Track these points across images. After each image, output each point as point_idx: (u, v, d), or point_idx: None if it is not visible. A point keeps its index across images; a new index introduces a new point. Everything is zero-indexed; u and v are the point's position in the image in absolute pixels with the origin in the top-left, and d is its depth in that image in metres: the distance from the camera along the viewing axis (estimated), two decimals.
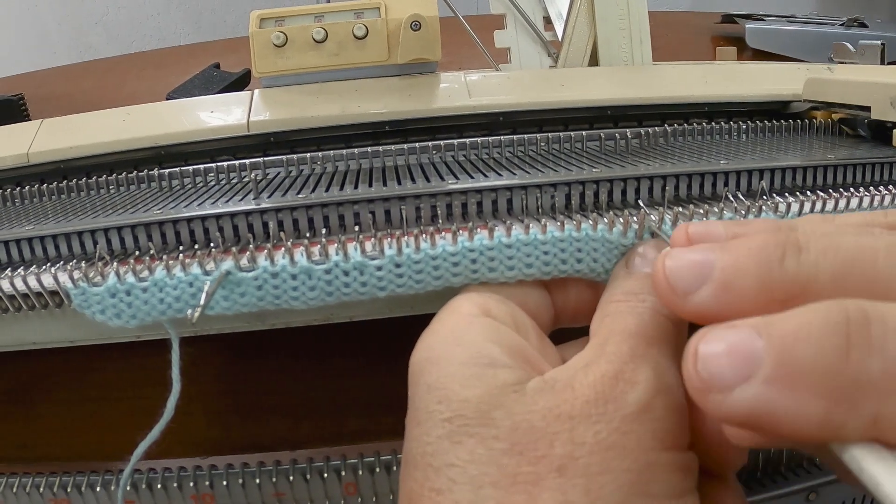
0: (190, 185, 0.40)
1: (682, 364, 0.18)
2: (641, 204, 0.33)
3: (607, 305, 0.24)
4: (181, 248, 0.31)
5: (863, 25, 0.80)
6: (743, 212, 0.28)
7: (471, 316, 0.23)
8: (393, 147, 0.42)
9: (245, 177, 0.41)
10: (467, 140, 0.42)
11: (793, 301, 0.17)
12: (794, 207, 0.31)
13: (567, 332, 0.27)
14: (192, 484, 0.36)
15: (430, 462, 0.20)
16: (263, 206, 0.32)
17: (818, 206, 0.31)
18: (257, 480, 0.35)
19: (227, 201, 0.33)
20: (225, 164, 0.41)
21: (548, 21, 0.53)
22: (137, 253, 0.31)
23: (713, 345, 0.17)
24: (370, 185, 0.34)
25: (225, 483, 0.35)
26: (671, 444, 0.20)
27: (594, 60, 0.51)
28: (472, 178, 0.34)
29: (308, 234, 0.32)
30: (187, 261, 0.26)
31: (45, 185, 0.41)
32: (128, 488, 0.35)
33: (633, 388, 0.20)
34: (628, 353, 0.21)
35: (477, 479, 0.19)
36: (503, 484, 0.19)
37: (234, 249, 0.27)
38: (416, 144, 0.42)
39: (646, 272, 0.24)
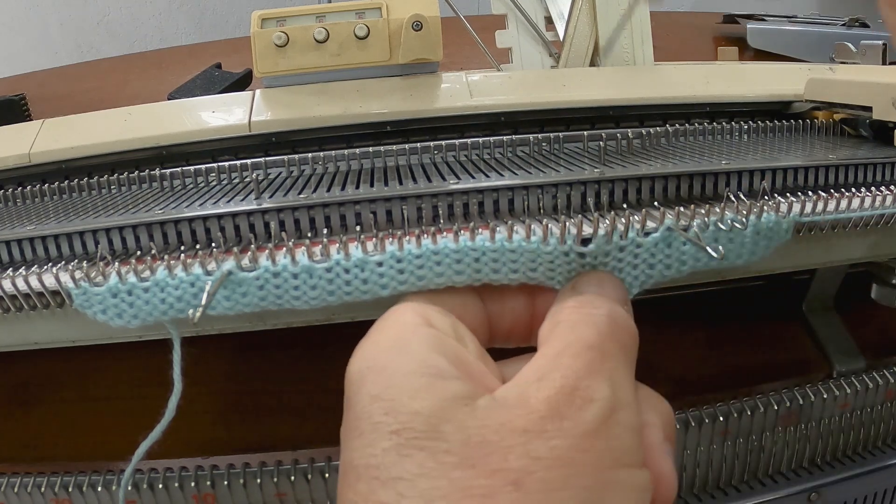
0: (191, 185, 0.40)
1: None
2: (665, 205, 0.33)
3: (559, 313, 0.23)
4: (183, 247, 0.31)
5: (864, 25, 0.80)
6: (745, 212, 0.28)
7: (414, 325, 0.22)
8: (394, 147, 0.42)
9: (247, 177, 0.41)
10: (469, 140, 0.42)
11: None
12: (796, 208, 0.30)
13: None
14: (193, 484, 0.36)
15: (376, 475, 0.19)
16: (265, 206, 0.32)
17: (819, 206, 0.31)
18: (259, 480, 0.35)
19: (229, 201, 0.33)
20: (226, 164, 0.41)
21: (549, 21, 0.53)
22: (139, 253, 0.31)
23: None
24: (371, 185, 0.34)
25: (226, 483, 0.36)
26: (628, 461, 0.20)
27: (595, 61, 0.51)
28: (473, 178, 0.34)
29: (310, 234, 0.32)
30: (189, 261, 0.26)
31: (46, 184, 0.41)
32: (129, 488, 0.35)
33: (590, 405, 0.20)
34: (585, 367, 0.20)
35: (427, 493, 0.19)
36: (455, 497, 0.18)
37: (235, 249, 0.27)
38: (418, 144, 0.42)
39: (597, 292, 0.24)
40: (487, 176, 0.35)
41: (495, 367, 0.24)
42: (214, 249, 0.28)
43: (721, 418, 0.39)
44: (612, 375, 0.21)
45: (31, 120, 0.63)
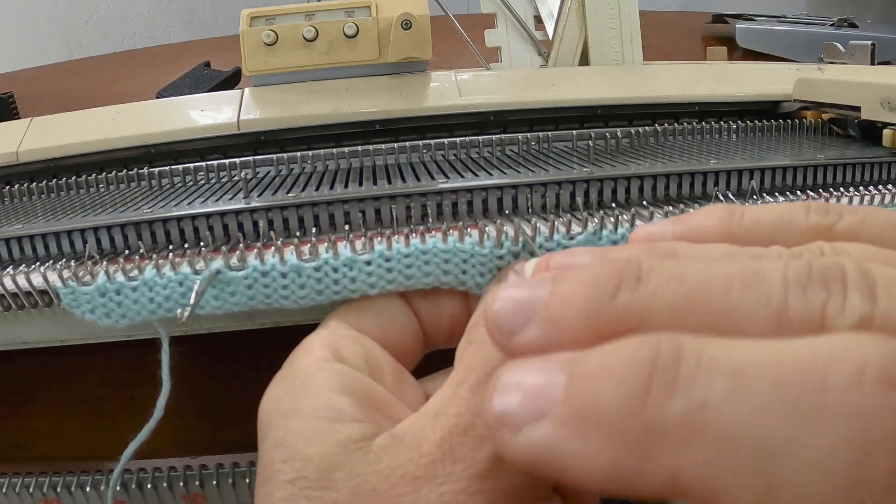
0: (180, 184, 0.40)
1: (484, 395, 0.16)
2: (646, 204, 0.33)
3: (473, 330, 0.22)
4: (171, 247, 0.31)
5: (853, 26, 0.81)
6: None
7: (321, 361, 0.22)
8: (383, 146, 0.42)
9: (235, 176, 0.40)
10: (458, 139, 0.42)
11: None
12: None
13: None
14: (182, 484, 0.35)
15: None
16: (253, 205, 0.32)
17: None
18: (248, 480, 0.35)
19: (217, 200, 0.33)
20: (215, 162, 0.41)
21: (538, 20, 0.53)
22: (127, 252, 0.31)
23: (514, 376, 0.15)
24: (360, 185, 0.34)
25: (215, 483, 0.35)
26: (525, 498, 0.19)
27: (585, 60, 0.51)
28: (462, 177, 0.34)
29: (298, 234, 0.32)
30: (177, 260, 0.26)
31: (34, 183, 0.41)
32: (118, 488, 0.35)
33: (485, 442, 0.18)
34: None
35: None
36: None
37: (224, 249, 0.27)
38: (407, 143, 0.42)
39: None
40: (476, 175, 0.35)
41: (416, 387, 0.24)
42: (203, 249, 0.28)
43: None
44: None
45: (18, 118, 0.62)
